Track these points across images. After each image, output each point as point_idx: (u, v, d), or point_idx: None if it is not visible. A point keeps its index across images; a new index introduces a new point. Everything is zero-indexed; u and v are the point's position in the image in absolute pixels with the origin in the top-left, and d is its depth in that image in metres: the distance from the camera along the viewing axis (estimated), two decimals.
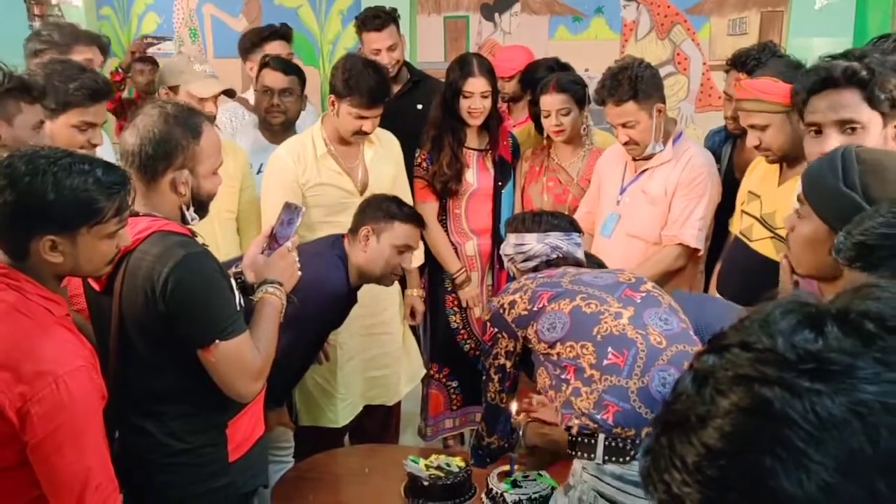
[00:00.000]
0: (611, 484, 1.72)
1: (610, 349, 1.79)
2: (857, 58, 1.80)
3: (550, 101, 2.91)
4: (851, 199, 1.37)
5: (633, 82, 2.52)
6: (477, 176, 3.02)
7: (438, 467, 2.22)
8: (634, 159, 2.70)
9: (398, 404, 3.06)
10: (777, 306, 0.58)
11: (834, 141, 1.75)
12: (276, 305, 1.81)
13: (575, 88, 2.93)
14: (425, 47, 4.46)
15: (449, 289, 3.09)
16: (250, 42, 3.37)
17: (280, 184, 2.68)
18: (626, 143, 2.63)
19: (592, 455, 1.73)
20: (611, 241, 2.72)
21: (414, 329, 3.11)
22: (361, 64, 2.67)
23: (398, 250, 2.36)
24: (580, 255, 2.15)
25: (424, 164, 2.99)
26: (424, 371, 3.10)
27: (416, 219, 2.45)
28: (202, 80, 2.80)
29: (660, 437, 0.58)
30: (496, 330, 1.99)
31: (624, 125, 2.59)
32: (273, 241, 1.92)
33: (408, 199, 2.95)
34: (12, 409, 1.40)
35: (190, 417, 1.72)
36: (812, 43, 3.87)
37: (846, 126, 1.77)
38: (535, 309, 1.90)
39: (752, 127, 2.24)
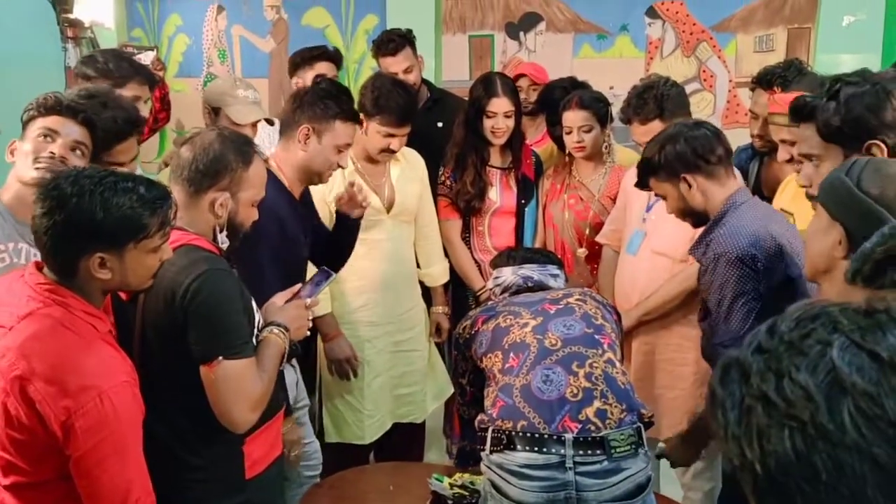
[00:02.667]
0: (497, 473, 1.87)
1: (511, 354, 1.99)
2: None
3: (573, 118, 2.91)
4: (843, 181, 1.45)
5: (659, 101, 2.52)
6: (500, 194, 3.03)
7: (462, 486, 2.21)
8: None
9: (424, 421, 3.06)
10: None
11: None
12: (280, 346, 1.80)
13: (597, 106, 2.92)
14: (450, 65, 4.49)
15: (473, 306, 3.09)
16: (300, 58, 3.42)
17: None
18: None
19: (483, 448, 1.91)
20: (637, 259, 2.71)
21: (439, 346, 3.11)
22: (390, 83, 2.71)
23: (338, 150, 2.33)
24: (553, 283, 2.31)
25: (448, 182, 3.00)
26: (451, 389, 3.09)
27: (355, 117, 2.41)
28: (243, 106, 2.83)
29: (759, 403, 0.50)
30: (456, 353, 2.25)
31: None
32: (297, 297, 1.95)
33: (432, 217, 2.99)
34: (57, 423, 1.42)
35: (207, 432, 1.72)
36: (840, 59, 3.84)
37: None
38: (473, 331, 2.14)
39: (783, 142, 2.24)
